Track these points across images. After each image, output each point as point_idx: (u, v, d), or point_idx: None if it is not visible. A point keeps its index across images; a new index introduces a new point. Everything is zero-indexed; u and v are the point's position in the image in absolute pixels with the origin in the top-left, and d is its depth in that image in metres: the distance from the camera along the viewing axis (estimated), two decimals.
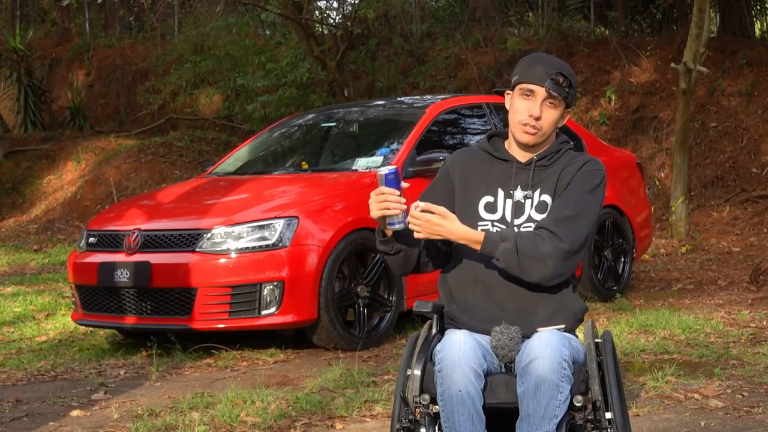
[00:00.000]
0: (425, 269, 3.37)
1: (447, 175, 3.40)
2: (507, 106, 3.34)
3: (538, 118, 3.25)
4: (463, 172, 3.37)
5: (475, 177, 3.35)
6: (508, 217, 3.29)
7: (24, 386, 5.87)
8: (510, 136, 3.37)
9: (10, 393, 5.65)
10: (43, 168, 16.70)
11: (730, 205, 12.66)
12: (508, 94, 3.35)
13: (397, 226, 3.19)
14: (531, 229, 3.25)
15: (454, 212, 3.27)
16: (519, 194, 3.30)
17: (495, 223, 3.29)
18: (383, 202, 3.16)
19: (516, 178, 3.31)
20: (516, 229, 3.26)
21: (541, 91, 3.25)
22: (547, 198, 3.28)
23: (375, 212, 3.18)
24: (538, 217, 3.27)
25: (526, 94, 3.27)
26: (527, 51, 15.83)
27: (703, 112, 13.95)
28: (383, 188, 3.17)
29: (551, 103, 3.26)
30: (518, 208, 3.29)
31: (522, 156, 3.34)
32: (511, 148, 3.36)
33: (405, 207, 3.18)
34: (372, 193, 3.18)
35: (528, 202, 3.29)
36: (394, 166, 3.22)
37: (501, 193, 3.31)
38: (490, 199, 3.31)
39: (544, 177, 3.31)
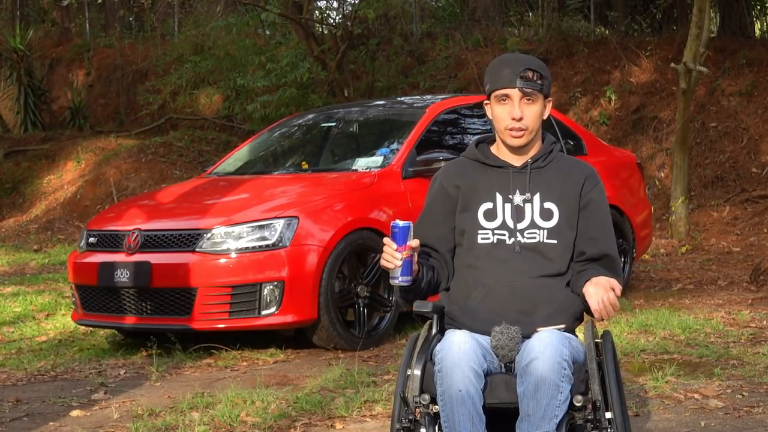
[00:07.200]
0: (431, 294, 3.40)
1: (444, 191, 3.38)
2: (489, 116, 3.36)
3: (521, 119, 3.27)
4: (461, 183, 3.36)
5: (473, 186, 3.35)
6: (510, 223, 3.29)
7: (24, 386, 5.87)
8: (498, 141, 3.38)
9: (10, 393, 5.65)
10: (43, 168, 16.69)
11: (730, 205, 12.65)
12: (486, 104, 3.37)
13: (396, 281, 3.15)
14: (536, 236, 3.27)
15: (454, 226, 3.32)
16: (518, 198, 3.31)
17: (495, 231, 3.30)
18: (383, 254, 3.18)
19: (514, 182, 3.32)
20: (519, 234, 3.28)
21: (515, 93, 3.27)
22: (551, 206, 3.30)
23: (381, 262, 3.19)
24: (544, 223, 3.29)
25: (503, 100, 3.29)
26: (527, 51, 15.85)
27: (703, 112, 13.95)
28: (385, 239, 3.16)
29: (528, 100, 3.28)
30: (519, 212, 3.30)
31: (515, 160, 3.35)
32: (502, 153, 3.37)
33: (400, 264, 3.13)
34: None
35: (528, 206, 3.30)
36: (407, 222, 3.16)
37: (499, 198, 3.32)
38: (489, 205, 3.32)
39: (542, 180, 3.33)
